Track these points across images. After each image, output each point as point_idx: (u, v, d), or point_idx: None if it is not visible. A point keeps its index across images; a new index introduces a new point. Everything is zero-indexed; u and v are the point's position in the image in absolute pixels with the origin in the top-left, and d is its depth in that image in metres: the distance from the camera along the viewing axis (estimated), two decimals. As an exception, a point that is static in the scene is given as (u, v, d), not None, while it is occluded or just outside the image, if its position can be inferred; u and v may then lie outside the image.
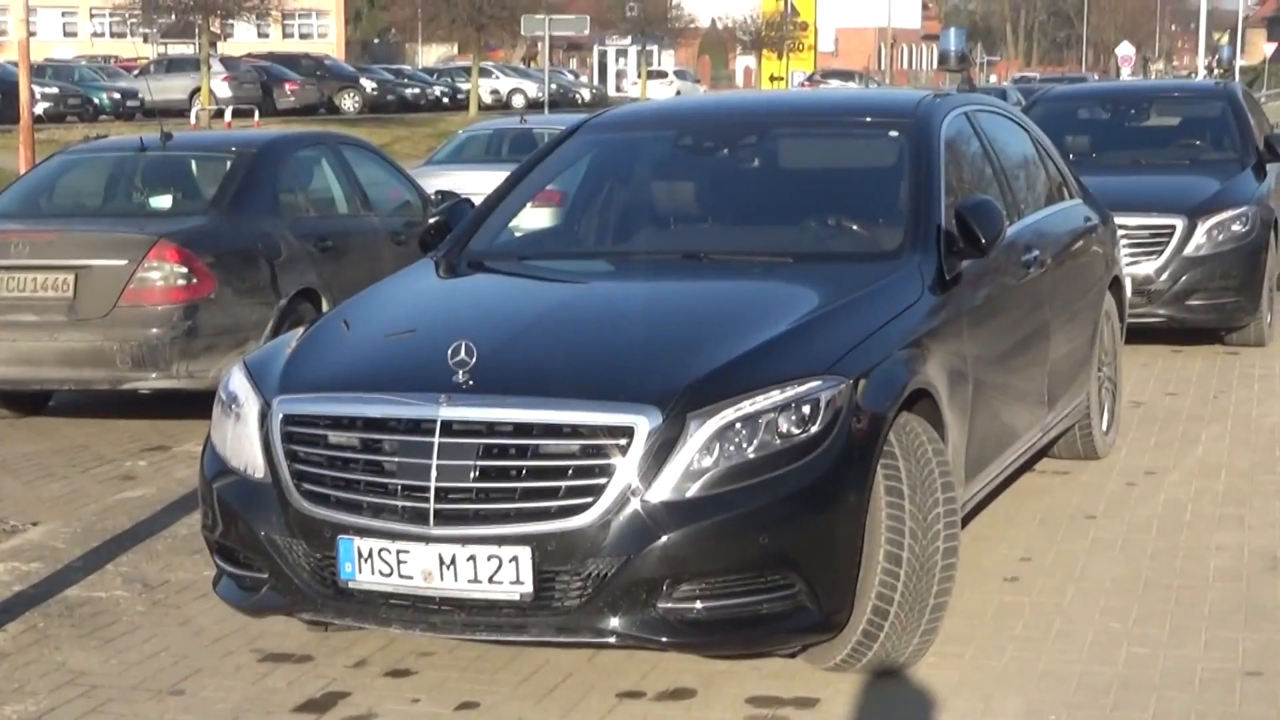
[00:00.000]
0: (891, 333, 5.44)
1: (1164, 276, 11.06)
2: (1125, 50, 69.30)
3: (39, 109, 41.20)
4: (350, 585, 4.89)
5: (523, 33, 49.94)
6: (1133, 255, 11.06)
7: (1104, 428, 8.19)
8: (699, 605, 4.75)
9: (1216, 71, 65.51)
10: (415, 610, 4.87)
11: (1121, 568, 6.48)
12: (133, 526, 7.26)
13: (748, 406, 4.80)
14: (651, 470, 4.69)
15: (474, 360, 4.88)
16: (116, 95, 46.99)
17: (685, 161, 7.17)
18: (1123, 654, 5.50)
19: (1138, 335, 11.35)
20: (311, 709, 5.14)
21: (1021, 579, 6.37)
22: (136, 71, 52.64)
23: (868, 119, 7.14)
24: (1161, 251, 11.08)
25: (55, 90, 44.00)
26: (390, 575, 4.82)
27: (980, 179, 6.89)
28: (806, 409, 4.86)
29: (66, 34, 78.24)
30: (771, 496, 4.77)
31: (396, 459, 4.88)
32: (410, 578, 4.80)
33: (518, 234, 6.85)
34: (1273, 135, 12.98)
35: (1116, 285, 8.40)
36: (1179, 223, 11.09)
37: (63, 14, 78.35)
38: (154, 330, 8.88)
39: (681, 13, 77.40)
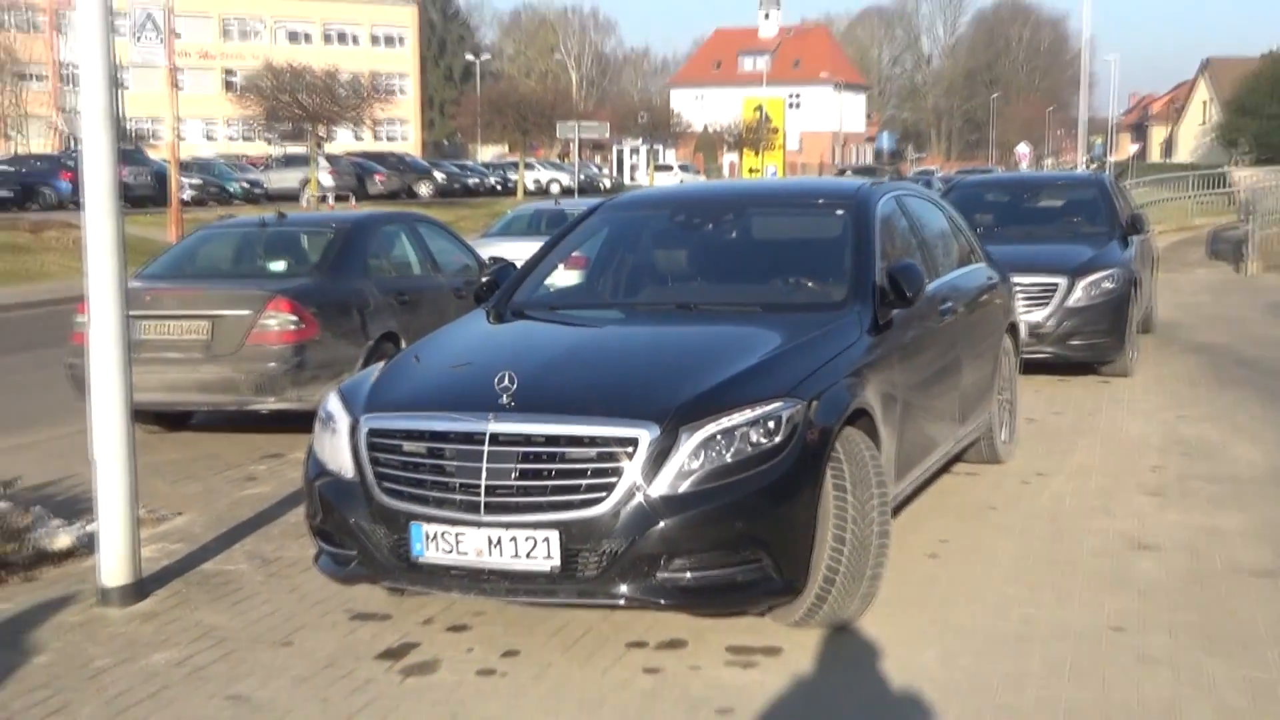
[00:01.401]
0: (838, 365, 5.49)
1: (1051, 322, 11.12)
2: (1022, 149, 69.22)
3: (185, 195, 41.45)
4: (420, 560, 4.94)
5: (558, 135, 50.22)
6: (1027, 305, 11.10)
7: (1004, 438, 8.21)
8: (688, 575, 4.80)
9: (1092, 165, 65.51)
10: (470, 579, 4.92)
11: (1017, 547, 6.49)
12: (254, 516, 7.30)
13: (726, 422, 4.87)
14: (651, 471, 4.77)
15: (514, 386, 4.97)
16: (245, 184, 47.37)
17: (679, 234, 7.22)
18: (1017, 613, 5.52)
19: (1032, 368, 11.36)
20: (389, 656, 5.16)
21: (940, 556, 6.38)
22: (261, 166, 53.00)
23: (820, 201, 7.22)
24: (1049, 302, 11.13)
25: (198, 181, 44.24)
26: (450, 552, 4.88)
27: (906, 247, 6.92)
28: (771, 423, 4.93)
29: (208, 138, 78.68)
30: (744, 491, 4.84)
31: (455, 463, 4.93)
32: (466, 554, 4.87)
33: (551, 290, 6.89)
34: (1134, 215, 13.07)
35: (1012, 329, 8.45)
36: (1062, 281, 11.16)
37: (205, 123, 78.80)
38: (271, 364, 8.95)
39: (680, 120, 77.91)
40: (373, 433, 5.15)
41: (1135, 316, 11.74)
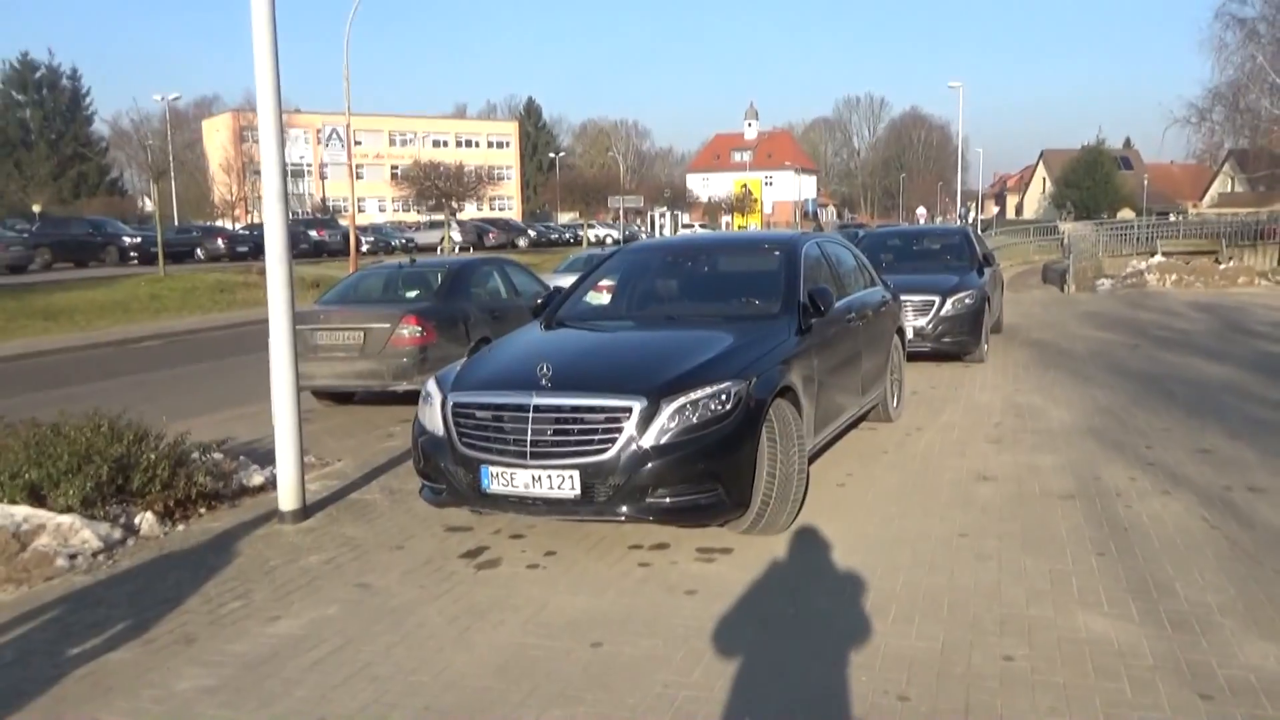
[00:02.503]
0: (772, 356, 5.33)
1: (930, 326, 10.85)
2: (921, 210, 68.48)
3: (364, 248, 41.58)
4: (487, 491, 4.83)
5: (609, 205, 49.88)
6: (915, 315, 10.86)
7: (894, 404, 8.01)
8: (668, 500, 4.68)
9: (962, 220, 64.47)
10: (521, 503, 4.81)
11: (899, 479, 6.29)
12: (388, 461, 7.19)
13: (693, 395, 4.75)
14: (641, 430, 4.65)
15: (550, 372, 4.83)
16: (403, 240, 47.23)
17: (670, 268, 7.04)
18: (896, 525, 5.34)
19: (918, 357, 11.16)
20: (468, 556, 5.05)
21: (846, 485, 6.18)
22: (414, 229, 52.81)
23: (765, 246, 7.02)
24: (930, 313, 10.87)
25: (372, 238, 44.35)
26: (507, 485, 4.77)
27: (824, 276, 6.73)
28: (724, 396, 4.80)
29: (380, 210, 78.63)
30: (705, 443, 4.72)
31: (510, 425, 4.82)
32: (518, 487, 4.76)
33: (586, 307, 6.68)
34: (985, 253, 12.81)
35: (900, 332, 8.21)
36: (938, 298, 10.88)
37: (378, 200, 78.84)
38: (405, 360, 8.87)
39: (691, 194, 77.70)
40: (456, 405, 5.03)
41: (988, 322, 11.45)
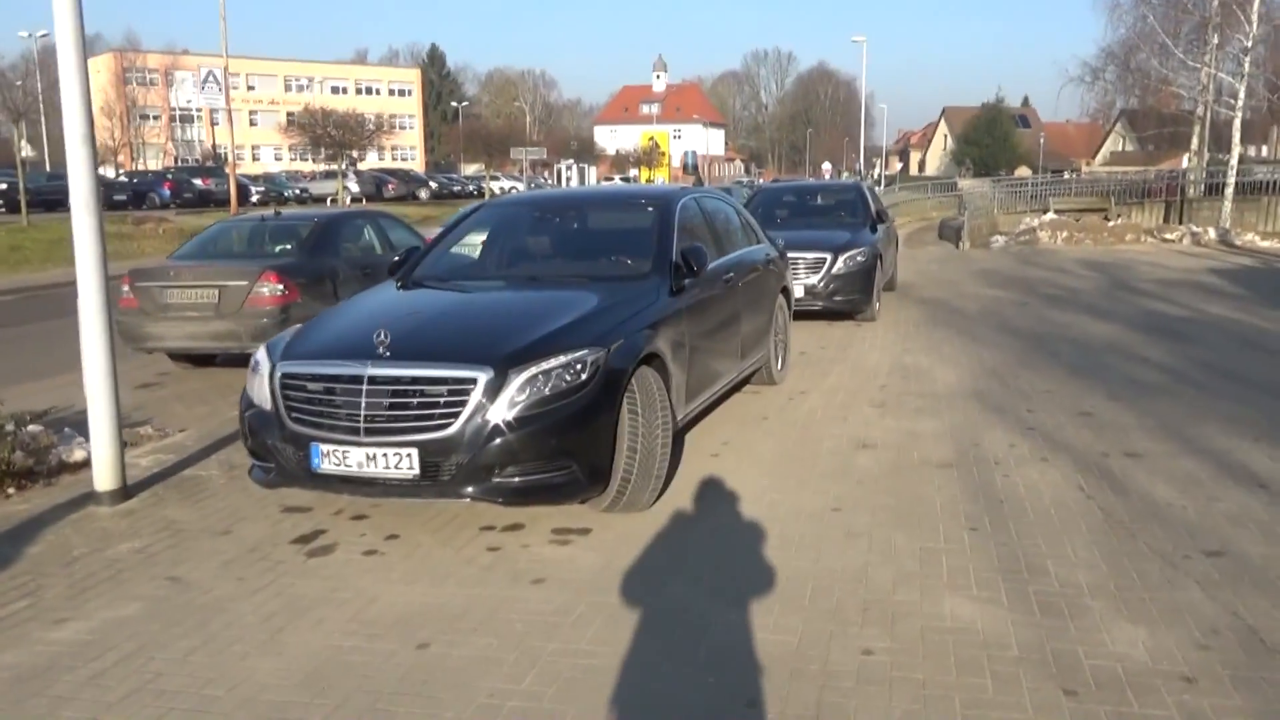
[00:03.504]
0: (637, 320, 4.96)
1: (821, 285, 10.64)
2: (826, 166, 68.68)
3: (254, 198, 39.94)
4: (318, 470, 4.37)
5: (511, 157, 48.75)
6: (807, 272, 10.65)
7: (778, 367, 7.73)
8: (517, 480, 4.28)
9: (858, 176, 64.85)
10: (355, 484, 4.36)
11: (776, 447, 6.01)
12: (235, 432, 6.61)
13: (545, 365, 4.35)
14: (487, 403, 4.23)
15: (388, 340, 4.38)
16: (297, 191, 45.51)
17: (539, 225, 6.59)
18: (766, 499, 5.04)
19: (809, 316, 10.95)
20: (301, 541, 4.59)
21: (720, 455, 5.87)
22: (308, 178, 50.89)
23: (638, 201, 6.58)
24: (821, 270, 10.64)
25: (263, 188, 42.59)
26: (339, 465, 4.32)
27: (701, 233, 6.37)
28: (579, 366, 4.40)
29: (276, 159, 75.39)
30: (557, 417, 4.32)
31: (342, 398, 4.35)
32: (351, 466, 4.31)
33: (447, 265, 6.15)
34: (879, 210, 12.60)
35: (785, 291, 7.89)
36: (829, 256, 10.66)
37: (274, 149, 75.34)
38: (264, 320, 8.22)
39: (600, 147, 76.59)
40: (285, 376, 4.54)
41: (880, 280, 11.30)
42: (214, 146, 69.76)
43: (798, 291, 10.47)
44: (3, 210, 29.46)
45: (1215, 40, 25.96)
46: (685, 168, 58.84)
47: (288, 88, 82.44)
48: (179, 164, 56.66)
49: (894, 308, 12.19)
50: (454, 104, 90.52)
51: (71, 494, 5.30)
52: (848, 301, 10.73)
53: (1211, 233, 21.24)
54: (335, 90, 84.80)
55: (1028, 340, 9.70)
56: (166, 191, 35.66)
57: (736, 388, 7.28)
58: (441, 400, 4.26)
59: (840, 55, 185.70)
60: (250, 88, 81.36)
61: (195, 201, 35.54)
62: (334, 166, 47.10)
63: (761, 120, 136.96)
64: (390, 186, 49.15)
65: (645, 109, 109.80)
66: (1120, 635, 3.52)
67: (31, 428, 5.80)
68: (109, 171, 50.82)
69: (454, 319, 5.04)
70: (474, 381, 4.24)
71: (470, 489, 4.26)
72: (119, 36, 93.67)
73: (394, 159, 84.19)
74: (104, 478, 5.10)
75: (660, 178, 74.58)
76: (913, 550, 4.32)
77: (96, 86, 66.97)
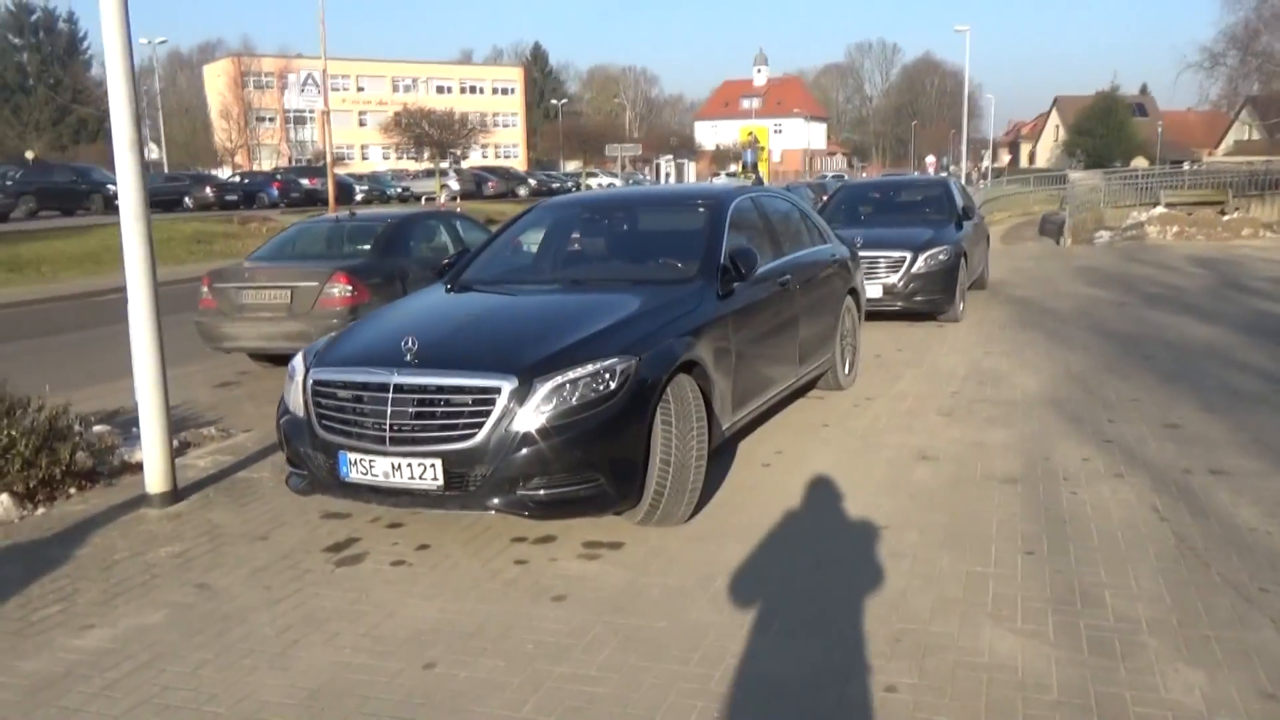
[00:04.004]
0: (675, 327, 4.78)
1: (901, 284, 10.26)
2: (930, 159, 67.23)
3: (359, 196, 40.89)
4: (346, 479, 4.32)
5: (606, 154, 48.94)
6: (886, 271, 10.30)
7: (846, 372, 7.43)
8: (542, 492, 4.15)
9: (946, 171, 62.85)
10: (381, 494, 4.29)
11: (833, 457, 5.75)
12: (295, 432, 6.69)
13: (571, 374, 4.21)
14: (512, 413, 4.11)
15: (416, 347, 4.31)
16: (399, 189, 46.34)
17: (589, 226, 6.47)
18: (812, 514, 4.82)
19: (889, 317, 10.60)
20: (333, 549, 4.56)
21: (772, 465, 5.65)
22: (411, 177, 51.88)
23: (690, 201, 6.37)
24: (900, 270, 10.27)
25: (366, 187, 43.48)
26: (366, 474, 4.26)
27: (757, 234, 6.15)
28: (607, 375, 4.25)
29: (384, 158, 77.07)
30: (585, 428, 4.17)
31: (369, 406, 4.29)
32: (377, 476, 4.24)
33: (496, 268, 6.05)
34: (966, 205, 12.09)
35: (854, 293, 7.55)
36: (909, 254, 10.28)
37: (383, 148, 77.11)
38: (334, 321, 8.26)
39: (699, 144, 76.24)
40: (316, 383, 4.51)
41: (964, 279, 10.84)
42: (332, 146, 72.12)
43: (875, 291, 10.14)
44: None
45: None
46: (744, 165, 57.44)
47: (395, 88, 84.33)
48: (293, 164, 58.44)
49: (981, 307, 11.71)
50: (554, 101, 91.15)
51: (128, 495, 5.39)
52: (928, 302, 10.33)
53: (1338, 226, 19.88)
54: (440, 90, 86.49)
55: (1120, 343, 9.17)
56: (275, 191, 36.76)
57: (799, 393, 7.04)
58: (466, 410, 4.16)
59: (946, 45, 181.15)
60: (360, 89, 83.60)
61: (303, 201, 36.53)
62: (432, 165, 48.28)
63: (866, 113, 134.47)
64: (490, 185, 49.71)
65: (746, 104, 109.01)
66: (1176, 679, 3.20)
67: (98, 428, 5.94)
68: (226, 172, 52.80)
69: (486, 325, 4.93)
70: (498, 391, 4.14)
71: (495, 501, 4.15)
72: (237, 42, 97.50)
73: (497, 157, 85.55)
74: (154, 480, 5.17)
75: (761, 173, 73.92)
76: (958, 574, 4.05)
77: (214, 90, 70.05)
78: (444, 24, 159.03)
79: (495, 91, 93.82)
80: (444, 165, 48.30)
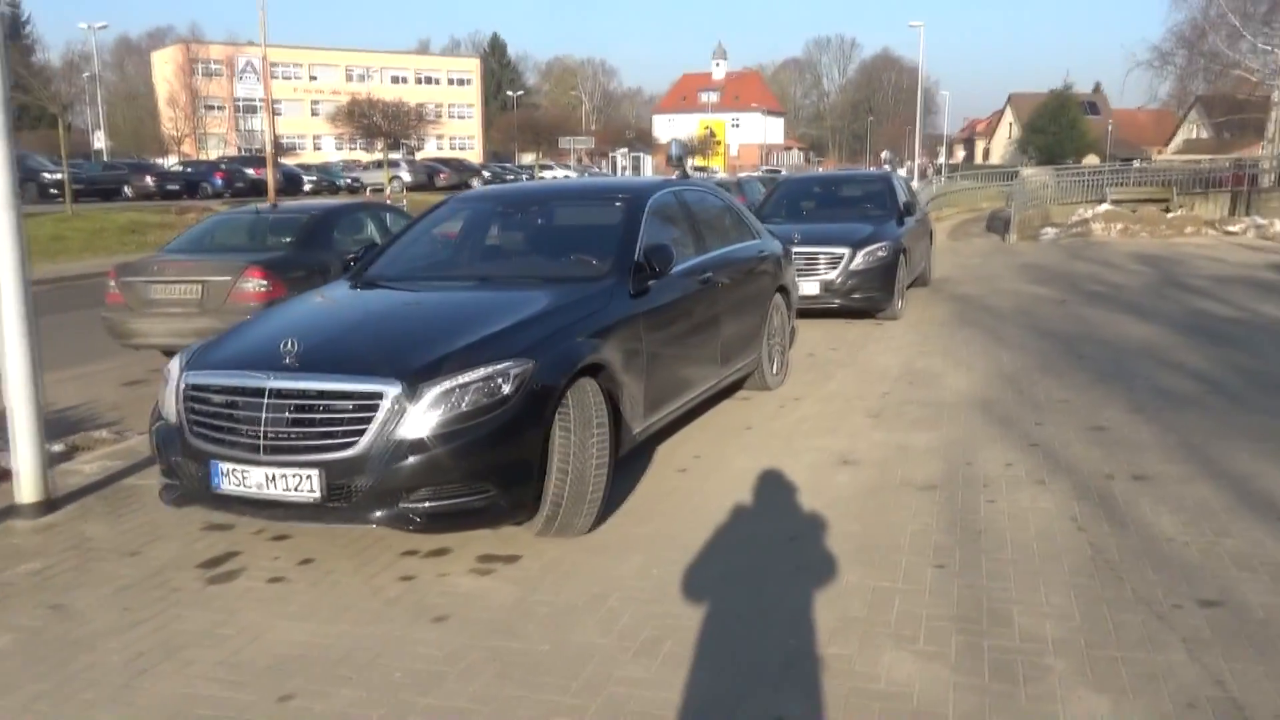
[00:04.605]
0: (580, 328, 4.55)
1: (839, 281, 10.10)
2: (886, 154, 67.36)
3: (307, 187, 40.14)
4: (218, 491, 4.02)
5: (559, 146, 48.51)
6: (825, 268, 10.14)
7: (774, 372, 7.25)
8: (429, 504, 3.90)
9: (890, 167, 62.60)
10: (256, 507, 4.01)
11: (752, 462, 5.55)
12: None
13: (462, 379, 3.96)
14: (396, 420, 3.85)
15: (296, 349, 4.03)
16: (349, 180, 45.55)
17: (501, 220, 6.21)
18: (723, 524, 4.60)
19: (825, 315, 10.44)
20: (208, 565, 4.26)
21: (688, 470, 5.44)
22: (361, 167, 51.05)
23: (607, 195, 6.12)
24: (838, 266, 10.11)
25: (315, 178, 42.72)
26: (239, 485, 3.97)
27: (677, 230, 5.94)
28: (501, 380, 4.01)
29: (337, 149, 75.80)
30: (475, 436, 3.93)
31: (243, 412, 4.00)
32: (251, 487, 3.95)
33: (401, 264, 5.73)
34: (907, 201, 11.97)
35: (783, 290, 7.36)
36: (847, 251, 10.12)
37: (335, 139, 75.90)
38: (248, 317, 7.93)
39: (654, 136, 75.91)
40: (190, 386, 4.22)
41: (903, 277, 10.72)
42: (274, 136, 70.90)
43: (813, 288, 9.99)
44: (61, 199, 29.74)
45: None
46: (670, 159, 56.87)
47: (349, 78, 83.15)
48: (241, 154, 57.31)
49: (922, 305, 11.60)
50: (510, 93, 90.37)
51: (4, 504, 5.06)
52: (867, 299, 10.19)
53: (1278, 225, 20.09)
54: (395, 80, 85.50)
55: (1056, 342, 9.08)
56: (219, 181, 35.98)
57: (725, 393, 6.84)
58: (347, 417, 3.90)
59: (904, 42, 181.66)
60: (313, 78, 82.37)
61: (248, 191, 35.73)
62: (382, 156, 47.51)
63: (823, 108, 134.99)
64: (442, 176, 49.06)
65: (704, 97, 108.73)
66: (1078, 708, 3.03)
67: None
68: (169, 161, 51.65)
69: (379, 325, 4.65)
70: (381, 396, 3.88)
71: (378, 514, 3.89)
72: (188, 29, 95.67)
73: (453, 148, 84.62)
74: (25, 490, 4.85)
75: (716, 166, 73.80)
76: (864, 590, 3.86)
77: (162, 77, 68.57)
78: (401, 13, 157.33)
79: (452, 82, 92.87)
80: (395, 156, 47.61)
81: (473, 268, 5.72)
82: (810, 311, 10.26)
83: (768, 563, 4.15)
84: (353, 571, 4.15)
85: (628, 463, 5.39)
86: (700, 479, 5.28)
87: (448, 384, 3.93)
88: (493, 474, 3.97)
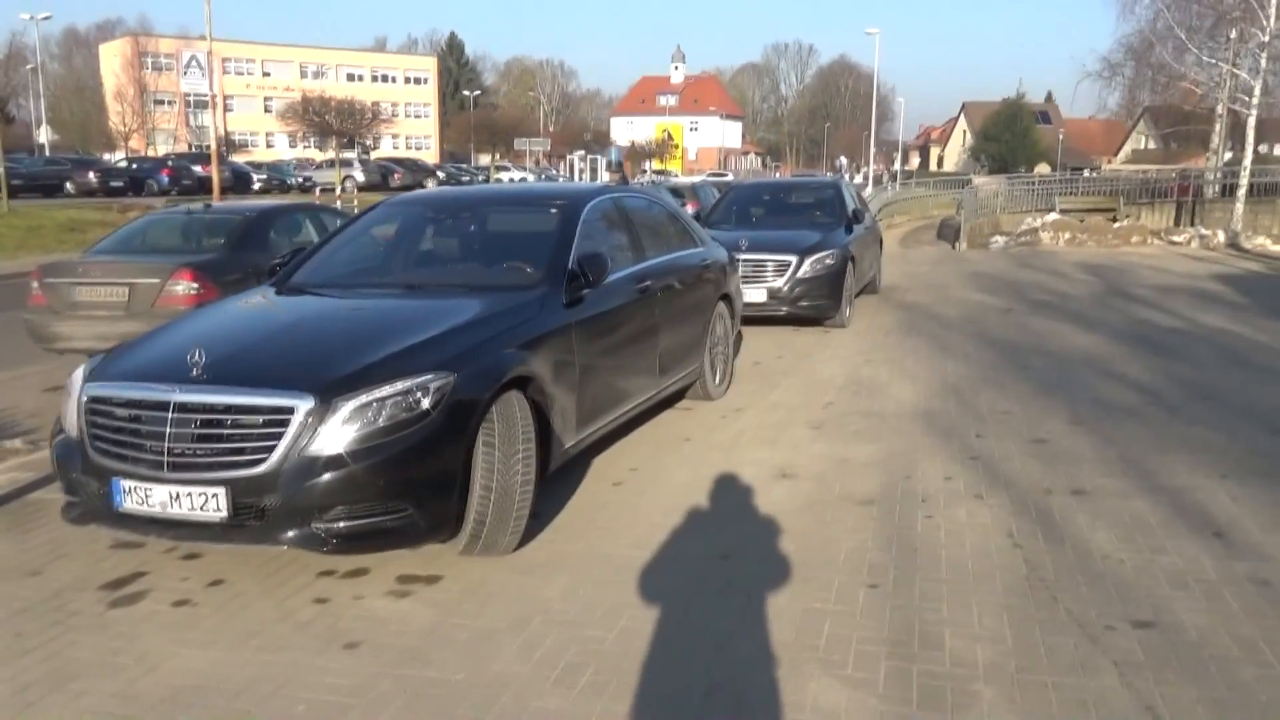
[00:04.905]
0: (507, 338, 4.39)
1: (786, 288, 10.02)
2: (842, 160, 68.11)
3: (256, 185, 39.51)
4: (120, 510, 3.82)
5: (514, 148, 48.21)
6: (772, 276, 10.06)
7: (716, 381, 7.14)
8: (343, 524, 3.72)
9: (840, 173, 62.86)
10: (161, 526, 3.81)
11: (687, 477, 5.42)
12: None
13: (379, 393, 3.78)
14: (308, 436, 3.68)
15: (204, 360, 3.84)
16: (301, 179, 44.88)
17: (433, 226, 6.03)
18: (654, 541, 4.47)
19: (772, 322, 10.38)
20: (112, 587, 4.05)
21: (624, 483, 5.31)
22: (314, 166, 50.41)
23: (543, 202, 5.96)
24: (785, 274, 10.03)
25: (265, 176, 42.08)
26: (142, 504, 3.77)
27: (614, 238, 5.81)
28: (420, 394, 3.85)
29: (291, 146, 74.83)
30: (392, 452, 3.76)
31: (147, 427, 3.80)
32: (154, 506, 3.77)
33: (328, 270, 5.52)
34: (856, 209, 11.93)
35: (726, 298, 7.26)
36: (794, 258, 10.04)
37: (289, 135, 74.99)
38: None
39: (613, 139, 75.81)
40: (91, 399, 4.01)
41: (851, 285, 10.66)
42: (225, 133, 69.74)
43: (759, 296, 9.92)
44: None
45: (1234, 34, 25.08)
46: (610, 165, 56.67)
47: (304, 74, 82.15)
48: (191, 150, 56.36)
49: (871, 313, 11.58)
50: (466, 93, 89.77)
51: (-104, 519, 4.80)
52: (814, 307, 10.12)
53: (1221, 236, 20.45)
54: (351, 77, 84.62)
55: (1001, 352, 9.08)
56: (165, 178, 35.31)
57: (666, 403, 6.72)
58: (255, 432, 3.72)
59: (862, 49, 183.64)
60: (266, 74, 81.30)
61: (195, 189, 35.06)
62: (334, 155, 46.95)
63: (781, 113, 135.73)
64: (396, 176, 48.56)
65: (663, 100, 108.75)
66: (1005, 737, 2.94)
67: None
68: (115, 157, 50.57)
69: (297, 335, 4.45)
70: (292, 410, 3.70)
71: (289, 534, 3.71)
72: (136, 21, 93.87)
73: (409, 148, 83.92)
74: (-80, 504, 4.59)
75: (674, 169, 73.88)
76: (794, 612, 3.75)
77: (110, 71, 67.18)
78: (358, 10, 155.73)
79: (408, 81, 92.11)
80: (348, 155, 47.07)
81: (401, 275, 5.54)
82: (758, 319, 10.19)
83: (698, 582, 4.03)
84: (264, 594, 3.96)
85: (562, 476, 5.25)
86: (636, 493, 5.15)
87: (364, 398, 3.77)
88: (410, 492, 3.81)
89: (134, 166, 37.66)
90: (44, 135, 63.06)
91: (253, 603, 3.88)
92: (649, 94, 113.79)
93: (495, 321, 4.47)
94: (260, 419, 3.73)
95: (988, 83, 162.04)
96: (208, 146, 59.34)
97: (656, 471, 5.51)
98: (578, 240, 5.25)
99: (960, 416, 6.71)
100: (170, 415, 3.76)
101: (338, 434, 3.71)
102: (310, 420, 3.70)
